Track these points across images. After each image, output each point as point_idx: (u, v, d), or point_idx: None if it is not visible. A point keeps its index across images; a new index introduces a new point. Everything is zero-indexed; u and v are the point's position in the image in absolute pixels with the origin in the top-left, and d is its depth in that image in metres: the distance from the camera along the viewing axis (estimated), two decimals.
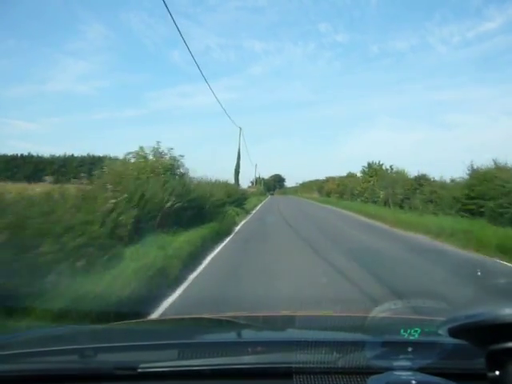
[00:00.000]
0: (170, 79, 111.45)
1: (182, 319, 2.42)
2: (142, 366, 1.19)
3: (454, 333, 0.84)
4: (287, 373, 1.19)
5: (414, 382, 1.02)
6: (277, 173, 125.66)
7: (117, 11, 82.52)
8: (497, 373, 0.80)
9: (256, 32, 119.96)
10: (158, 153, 13.73)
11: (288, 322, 2.14)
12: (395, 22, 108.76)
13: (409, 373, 1.07)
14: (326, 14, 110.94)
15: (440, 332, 0.88)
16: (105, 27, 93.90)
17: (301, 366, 1.19)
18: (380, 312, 1.52)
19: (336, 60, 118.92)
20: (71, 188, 8.11)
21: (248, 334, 1.88)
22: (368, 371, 1.14)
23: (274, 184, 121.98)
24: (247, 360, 1.31)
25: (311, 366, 1.20)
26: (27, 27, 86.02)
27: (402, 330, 1.42)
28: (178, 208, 10.34)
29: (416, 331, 1.40)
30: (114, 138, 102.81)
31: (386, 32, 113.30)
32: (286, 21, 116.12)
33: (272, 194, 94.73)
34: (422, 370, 1.11)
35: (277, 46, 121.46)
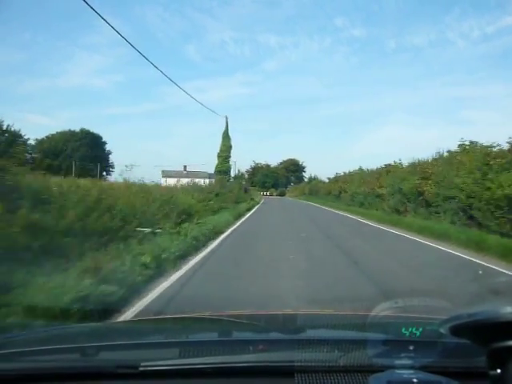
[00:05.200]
0: (184, 74, 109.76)
1: (184, 318, 2.43)
2: (143, 364, 1.19)
3: (455, 331, 0.84)
4: (289, 371, 1.19)
5: (415, 380, 1.02)
6: (291, 157, 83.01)
7: (132, 4, 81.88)
8: (498, 371, 0.80)
9: (272, 26, 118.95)
10: None
11: (289, 320, 2.14)
12: (413, 16, 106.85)
13: (410, 371, 1.07)
14: (343, 8, 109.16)
15: (441, 330, 0.88)
16: (120, 21, 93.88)
17: (302, 364, 1.19)
18: (381, 310, 1.51)
19: (352, 55, 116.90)
20: None
21: (249, 333, 1.88)
22: (369, 369, 1.14)
23: (287, 175, 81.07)
24: (249, 358, 1.31)
25: (313, 364, 1.20)
26: (42, 20, 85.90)
27: (403, 329, 1.42)
28: None
29: (417, 330, 1.40)
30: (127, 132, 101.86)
31: (404, 26, 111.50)
32: (302, 15, 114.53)
33: (282, 196, 60.64)
34: (423, 368, 1.11)
35: (292, 41, 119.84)
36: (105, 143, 53.43)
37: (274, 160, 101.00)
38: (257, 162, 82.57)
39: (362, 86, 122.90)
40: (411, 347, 1.23)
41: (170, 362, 1.26)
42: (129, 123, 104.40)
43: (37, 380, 1.19)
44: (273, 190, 74.52)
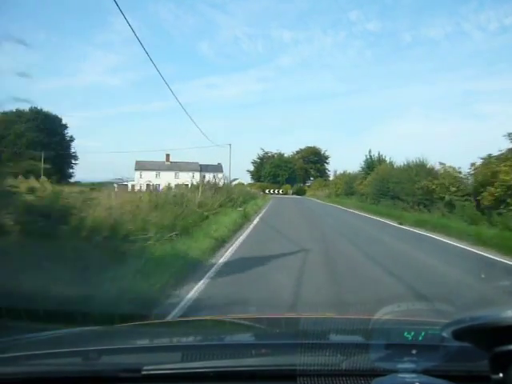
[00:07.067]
0: (197, 70, 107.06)
1: (186, 321, 2.42)
2: (145, 368, 1.19)
3: (458, 335, 0.84)
4: (291, 375, 1.19)
5: None
6: (310, 145, 63.21)
7: (145, 1, 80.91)
8: (500, 375, 0.80)
9: (285, 21, 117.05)
10: None
11: (292, 324, 2.13)
12: (429, 8, 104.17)
13: (413, 375, 1.07)
14: (357, 1, 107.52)
15: (444, 334, 0.88)
16: (133, 18, 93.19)
17: (305, 368, 1.19)
18: (384, 314, 1.51)
19: (367, 49, 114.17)
20: None
21: (252, 336, 1.87)
22: (372, 373, 1.14)
23: (306, 168, 60.99)
24: (251, 362, 1.31)
25: (315, 368, 1.20)
26: (56, 19, 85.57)
27: (405, 333, 1.42)
28: None
29: (420, 333, 1.40)
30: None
31: (420, 19, 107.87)
32: (315, 9, 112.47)
33: (300, 195, 44.21)
34: (426, 372, 1.10)
35: (306, 36, 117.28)
36: (65, 127, 38.26)
37: (288, 149, 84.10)
38: (266, 150, 63.93)
39: (377, 80, 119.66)
40: (414, 351, 1.22)
41: (172, 366, 1.26)
42: (134, 120, 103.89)
43: None
44: (287, 186, 55.86)
